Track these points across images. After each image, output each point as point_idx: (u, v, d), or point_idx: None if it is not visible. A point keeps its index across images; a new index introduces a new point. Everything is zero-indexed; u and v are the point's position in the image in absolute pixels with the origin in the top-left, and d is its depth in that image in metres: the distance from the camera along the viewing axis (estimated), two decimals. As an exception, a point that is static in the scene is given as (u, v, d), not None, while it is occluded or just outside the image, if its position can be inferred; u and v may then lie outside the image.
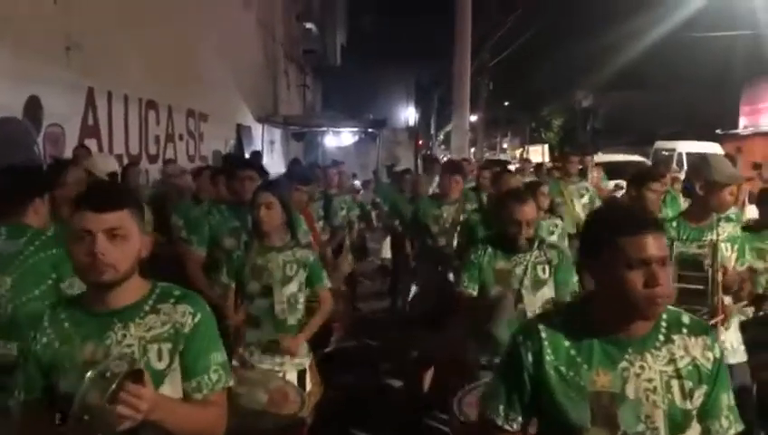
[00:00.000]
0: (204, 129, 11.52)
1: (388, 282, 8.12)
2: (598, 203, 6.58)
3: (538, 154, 31.66)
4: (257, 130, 15.19)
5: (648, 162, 15.98)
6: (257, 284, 3.13)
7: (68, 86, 6.80)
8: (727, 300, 3.16)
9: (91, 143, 7.34)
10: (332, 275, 4.72)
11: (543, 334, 1.68)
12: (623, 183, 6.66)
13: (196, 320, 1.75)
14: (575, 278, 3.20)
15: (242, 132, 14.27)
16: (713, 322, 3.01)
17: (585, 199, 6.50)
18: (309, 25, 24.55)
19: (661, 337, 1.66)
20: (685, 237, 3.17)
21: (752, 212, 6.06)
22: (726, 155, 9.30)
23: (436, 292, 4.66)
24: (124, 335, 1.71)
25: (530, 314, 3.06)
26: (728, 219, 3.46)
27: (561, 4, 21.77)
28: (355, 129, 17.21)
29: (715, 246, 3.08)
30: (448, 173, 5.33)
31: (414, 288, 5.77)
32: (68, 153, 6.63)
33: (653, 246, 1.58)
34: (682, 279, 3.04)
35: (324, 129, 17.14)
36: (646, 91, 31.28)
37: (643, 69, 28.23)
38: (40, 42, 6.25)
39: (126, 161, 8.06)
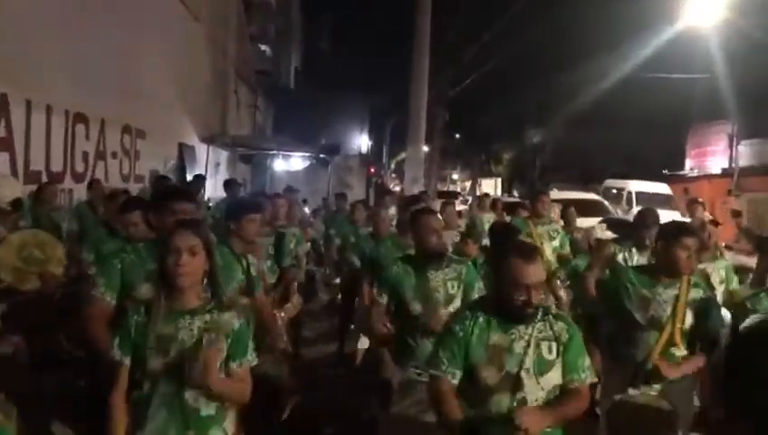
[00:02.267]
0: (141, 146, 10.60)
1: (336, 322, 7.40)
2: (569, 247, 6.08)
3: (490, 187, 31.64)
4: (202, 150, 14.32)
5: (604, 201, 15.77)
6: (161, 360, 2.28)
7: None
8: None
9: (3, 157, 6.44)
10: (274, 331, 4.00)
11: None
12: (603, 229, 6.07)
13: None
14: (587, 361, 2.53)
15: (184, 152, 13.36)
16: None
17: (556, 242, 5.96)
18: (263, 47, 23.93)
19: None
20: None
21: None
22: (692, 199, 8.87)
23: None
24: None
25: (531, 405, 2.39)
26: None
27: (521, 43, 21.76)
28: (307, 154, 16.54)
29: None
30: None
31: (364, 339, 5.08)
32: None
33: None
34: None
35: (274, 152, 16.39)
36: (596, 129, 31.71)
37: (596, 108, 28.60)
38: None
39: (45, 179, 7.18)
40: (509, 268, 2.40)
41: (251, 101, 21.19)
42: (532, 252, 2.45)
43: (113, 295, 3.02)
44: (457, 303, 3.36)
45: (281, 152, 16.37)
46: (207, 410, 2.31)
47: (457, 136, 43.72)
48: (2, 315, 3.10)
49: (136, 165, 10.45)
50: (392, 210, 8.07)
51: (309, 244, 6.56)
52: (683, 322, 3.19)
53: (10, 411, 2.74)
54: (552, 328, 2.48)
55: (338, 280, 7.28)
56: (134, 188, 9.37)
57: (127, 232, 3.72)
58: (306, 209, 12.57)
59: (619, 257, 4.54)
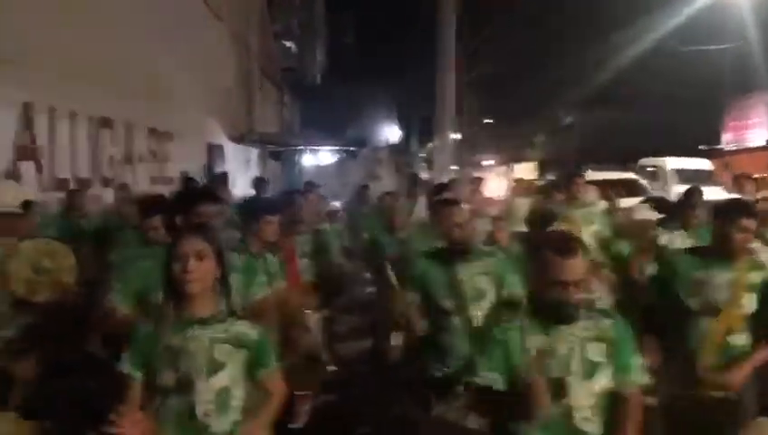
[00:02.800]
0: (169, 148, 10.58)
1: (369, 318, 7.23)
2: (608, 231, 5.78)
3: (525, 172, 31.09)
4: (230, 149, 14.31)
5: (641, 179, 15.28)
6: (172, 374, 2.13)
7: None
8: None
9: (28, 166, 6.42)
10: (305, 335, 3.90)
11: None
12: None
13: None
14: (639, 361, 2.27)
15: (213, 152, 13.36)
16: None
17: (594, 226, 5.66)
18: (288, 44, 23.90)
19: None
20: None
21: None
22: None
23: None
24: None
25: (577, 412, 2.17)
26: None
27: (544, 21, 21.27)
28: (335, 147, 16.48)
29: None
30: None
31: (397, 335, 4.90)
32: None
33: None
34: None
35: (303, 147, 16.38)
36: (628, 106, 30.85)
37: (626, 84, 27.85)
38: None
39: (72, 186, 7.16)
40: (545, 264, 2.16)
41: (277, 97, 21.21)
42: (569, 244, 2.18)
43: (125, 302, 3.03)
44: (489, 297, 3.15)
45: (309, 147, 16.36)
46: (221, 425, 2.16)
47: (489, 122, 43.20)
48: (18, 328, 3.04)
49: (164, 167, 10.43)
50: (422, 200, 7.85)
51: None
52: (742, 307, 2.93)
53: (21, 428, 2.67)
54: (598, 326, 2.23)
55: (368, 274, 7.11)
56: (164, 191, 9.34)
57: (147, 236, 3.65)
58: (337, 203, 12.44)
59: (664, 239, 4.27)
